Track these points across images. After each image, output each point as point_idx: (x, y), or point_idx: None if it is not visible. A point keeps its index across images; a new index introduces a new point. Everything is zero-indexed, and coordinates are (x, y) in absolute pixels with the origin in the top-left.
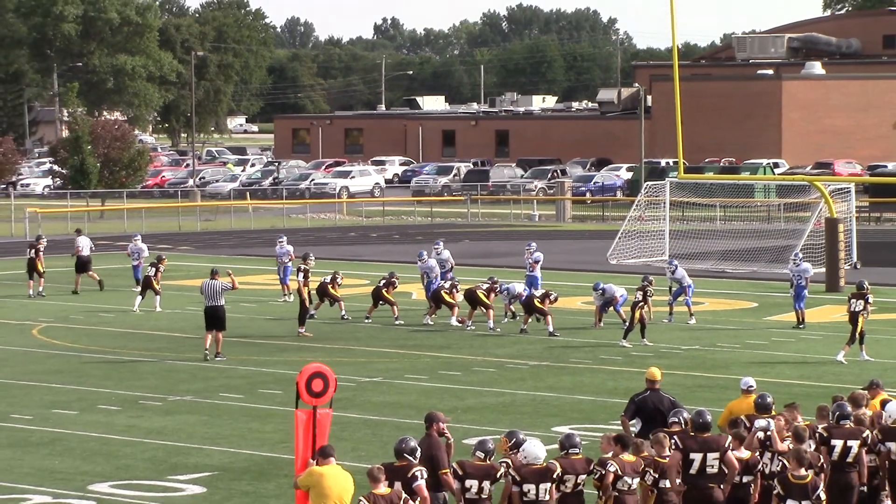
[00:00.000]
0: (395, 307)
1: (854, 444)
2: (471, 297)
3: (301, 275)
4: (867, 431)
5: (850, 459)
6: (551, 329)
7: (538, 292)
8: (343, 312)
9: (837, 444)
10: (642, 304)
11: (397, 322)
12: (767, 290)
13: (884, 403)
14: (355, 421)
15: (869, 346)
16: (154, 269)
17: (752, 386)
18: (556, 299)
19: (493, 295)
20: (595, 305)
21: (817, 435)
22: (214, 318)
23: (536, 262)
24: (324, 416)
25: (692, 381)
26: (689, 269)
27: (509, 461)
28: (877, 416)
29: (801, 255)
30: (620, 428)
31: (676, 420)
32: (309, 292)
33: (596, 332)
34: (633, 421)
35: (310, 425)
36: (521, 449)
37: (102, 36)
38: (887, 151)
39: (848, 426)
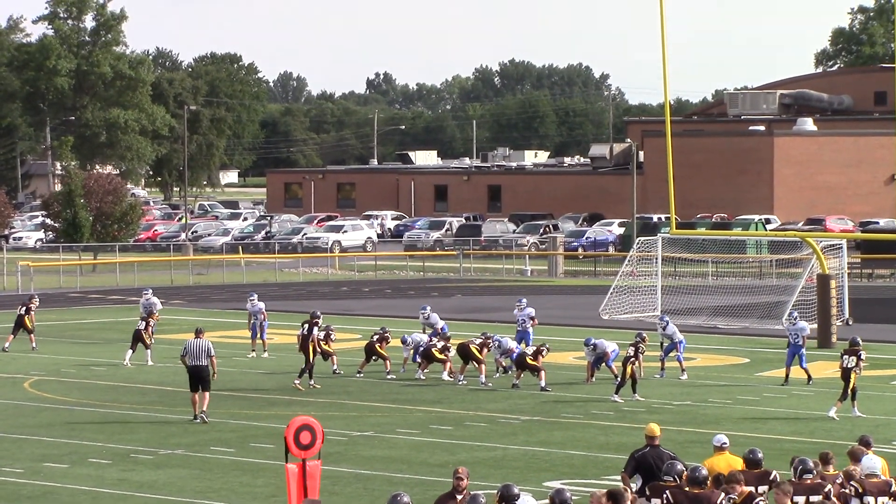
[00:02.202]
0: (387, 362)
1: (816, 499)
2: (463, 351)
3: (314, 329)
4: (829, 485)
5: None
6: (543, 384)
7: (530, 349)
8: (335, 367)
9: (800, 500)
10: (633, 359)
11: (389, 376)
12: (759, 345)
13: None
14: (346, 475)
15: (860, 403)
16: (144, 322)
17: (724, 443)
18: (547, 351)
19: (485, 350)
20: (587, 361)
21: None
22: (199, 378)
23: (531, 317)
24: (313, 468)
25: (684, 436)
26: (681, 324)
27: None
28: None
29: (796, 314)
30: (608, 485)
31: (670, 475)
32: (314, 348)
33: (587, 388)
34: (634, 477)
35: (301, 478)
36: None
37: (95, 90)
38: (879, 208)
39: (809, 481)
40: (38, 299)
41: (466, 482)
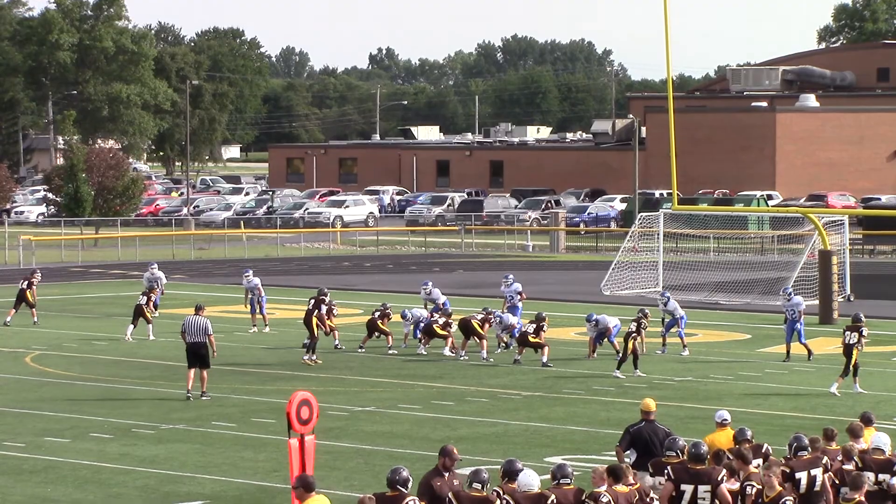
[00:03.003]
0: (389, 337)
1: (817, 473)
2: (465, 326)
3: (321, 306)
4: (826, 458)
5: (817, 489)
6: (545, 360)
7: (531, 327)
8: (337, 342)
9: (802, 476)
10: (636, 334)
11: (390, 351)
12: (761, 321)
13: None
14: (348, 450)
15: (862, 379)
16: (145, 297)
17: (726, 419)
18: (547, 323)
19: (486, 325)
20: (588, 336)
21: (781, 472)
22: (197, 356)
23: (519, 292)
24: (309, 443)
25: (685, 412)
26: (683, 300)
27: (500, 489)
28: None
29: (791, 289)
30: (609, 461)
31: (672, 451)
32: (317, 324)
33: (589, 363)
34: (628, 451)
35: (301, 453)
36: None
37: (97, 64)
38: (881, 184)
39: (807, 457)
40: (40, 274)
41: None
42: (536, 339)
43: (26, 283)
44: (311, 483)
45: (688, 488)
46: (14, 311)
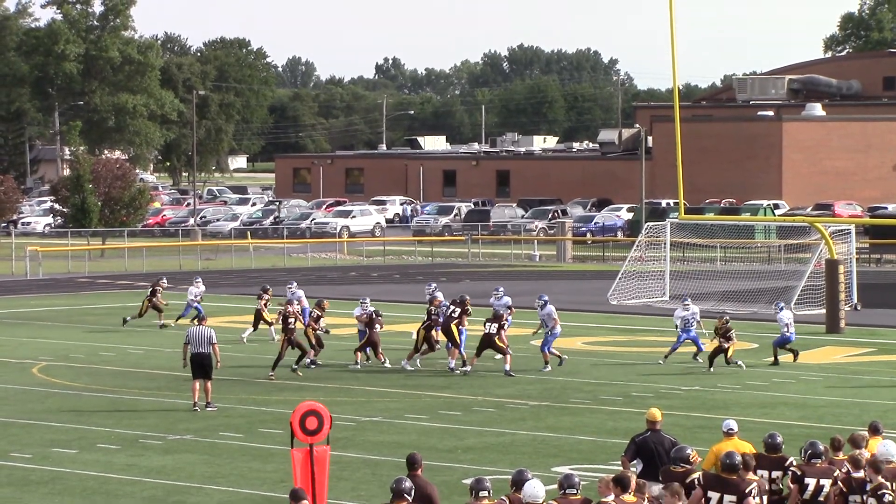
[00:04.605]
0: (381, 354)
1: (826, 483)
2: (447, 331)
3: (289, 320)
4: (838, 470)
5: (821, 498)
6: (508, 368)
7: (493, 326)
8: (300, 363)
9: (811, 482)
10: (730, 342)
11: (382, 362)
12: (768, 331)
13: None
14: (355, 461)
15: (869, 388)
16: (261, 299)
17: (732, 428)
18: (510, 318)
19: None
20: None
21: (790, 473)
22: (201, 367)
23: (508, 307)
24: (321, 453)
25: (692, 421)
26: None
27: (507, 498)
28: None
29: (782, 304)
30: (617, 471)
31: (678, 462)
32: (288, 340)
33: (595, 372)
34: (634, 461)
35: (307, 464)
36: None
37: (104, 75)
38: (887, 193)
39: (820, 465)
40: (165, 281)
41: None
42: (501, 344)
43: (151, 290)
44: (298, 494)
45: (714, 496)
46: (161, 314)
